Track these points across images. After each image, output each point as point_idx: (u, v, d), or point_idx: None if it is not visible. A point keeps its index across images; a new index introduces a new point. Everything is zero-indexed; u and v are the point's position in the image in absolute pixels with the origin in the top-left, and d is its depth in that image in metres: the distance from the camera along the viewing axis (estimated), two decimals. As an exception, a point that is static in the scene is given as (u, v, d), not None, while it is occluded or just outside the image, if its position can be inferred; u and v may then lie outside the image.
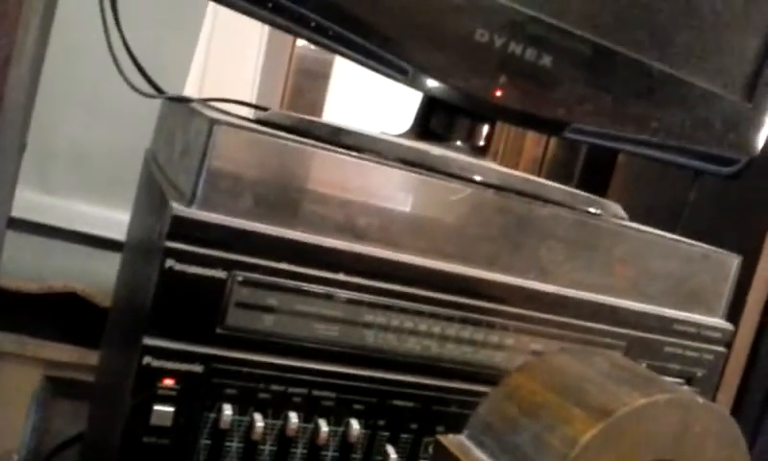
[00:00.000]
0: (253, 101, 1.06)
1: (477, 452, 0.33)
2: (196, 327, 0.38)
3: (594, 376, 0.34)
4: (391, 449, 0.44)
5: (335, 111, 1.21)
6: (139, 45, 0.53)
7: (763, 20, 0.57)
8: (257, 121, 0.52)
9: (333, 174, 0.41)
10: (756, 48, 0.57)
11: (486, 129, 0.56)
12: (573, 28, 0.51)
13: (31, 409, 0.79)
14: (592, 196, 0.55)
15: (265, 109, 0.57)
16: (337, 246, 0.41)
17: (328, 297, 0.41)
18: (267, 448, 0.41)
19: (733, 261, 0.55)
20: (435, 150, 0.49)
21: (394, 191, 0.42)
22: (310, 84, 1.21)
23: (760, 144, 0.60)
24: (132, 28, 0.52)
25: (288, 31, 0.47)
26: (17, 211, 0.85)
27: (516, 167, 1.09)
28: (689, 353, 0.53)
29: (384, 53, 0.47)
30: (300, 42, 1.15)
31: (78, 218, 0.92)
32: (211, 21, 1.03)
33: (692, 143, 0.58)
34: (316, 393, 0.41)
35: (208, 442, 0.39)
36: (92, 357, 0.84)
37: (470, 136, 0.55)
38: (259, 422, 0.40)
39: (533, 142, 1.17)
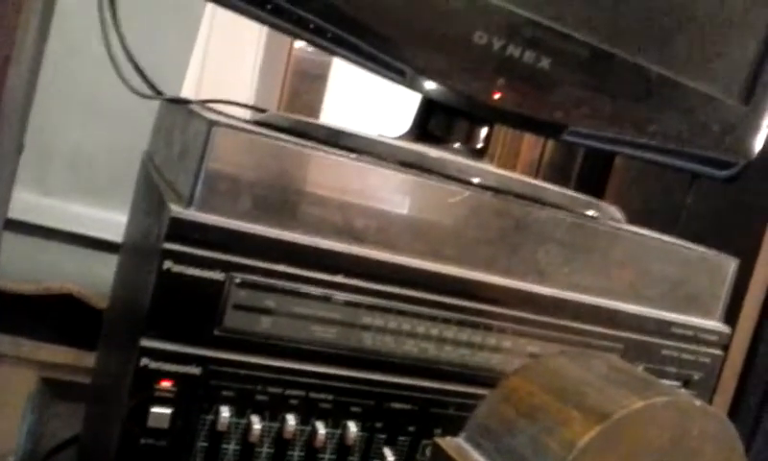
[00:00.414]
0: (251, 102, 1.06)
1: (475, 455, 0.33)
2: (193, 329, 0.38)
3: (592, 379, 0.34)
4: (388, 452, 0.43)
5: (333, 113, 1.21)
6: (137, 46, 0.53)
7: (761, 24, 0.57)
8: (256, 123, 0.52)
9: (331, 176, 0.41)
10: (753, 52, 0.58)
11: (484, 131, 0.56)
12: (572, 31, 0.51)
13: (26, 411, 0.78)
14: (590, 198, 0.55)
15: (263, 111, 0.57)
16: (335, 248, 0.41)
17: (326, 299, 0.41)
18: (264, 450, 0.41)
19: (731, 264, 0.55)
20: (433, 152, 0.49)
21: (392, 193, 0.42)
22: (308, 86, 1.21)
23: (757, 148, 0.60)
24: (130, 29, 0.52)
25: (287, 32, 0.47)
26: (15, 212, 0.85)
27: (513, 170, 1.09)
28: (686, 356, 0.53)
29: (383, 55, 0.47)
30: (298, 44, 1.15)
31: (75, 219, 0.92)
32: (209, 23, 1.03)
33: (690, 146, 0.58)
34: (313, 395, 0.41)
35: (205, 444, 0.39)
36: (88, 359, 0.84)
37: (469, 139, 0.55)
38: (256, 424, 0.40)
39: (530, 145, 1.17)
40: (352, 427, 0.42)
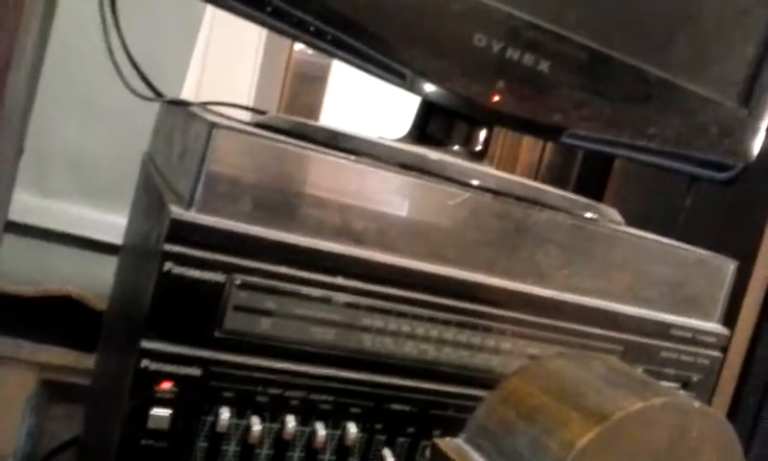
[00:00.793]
0: (251, 105, 1.06)
1: (474, 456, 0.33)
2: (194, 331, 0.38)
3: (591, 380, 0.34)
4: (388, 453, 0.44)
5: (332, 116, 1.21)
6: (137, 48, 0.54)
7: (759, 27, 0.57)
8: (256, 125, 0.52)
9: (331, 178, 0.41)
10: (752, 55, 0.58)
11: (483, 133, 0.56)
12: (571, 34, 0.51)
13: (26, 413, 0.78)
14: (589, 201, 0.55)
15: (263, 113, 0.57)
16: (335, 250, 0.41)
17: (326, 300, 0.41)
18: (264, 451, 0.41)
19: (729, 266, 0.55)
20: (433, 154, 0.49)
21: (392, 195, 0.42)
22: (307, 88, 1.21)
23: (756, 150, 0.60)
24: (130, 31, 0.52)
25: (287, 35, 0.47)
26: (15, 214, 0.85)
27: (512, 172, 1.09)
28: (685, 358, 0.53)
29: (382, 57, 0.47)
30: (298, 46, 1.15)
31: (75, 221, 0.92)
32: (209, 25, 1.03)
33: (688, 149, 0.58)
34: (313, 396, 0.41)
35: (206, 445, 0.39)
36: (87, 361, 0.84)
37: (468, 141, 0.55)
38: (256, 425, 0.40)
39: (529, 148, 1.18)
40: (352, 429, 0.42)
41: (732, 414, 0.78)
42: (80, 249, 0.94)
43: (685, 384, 0.53)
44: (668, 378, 0.52)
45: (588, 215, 0.53)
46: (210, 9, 0.97)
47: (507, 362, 0.46)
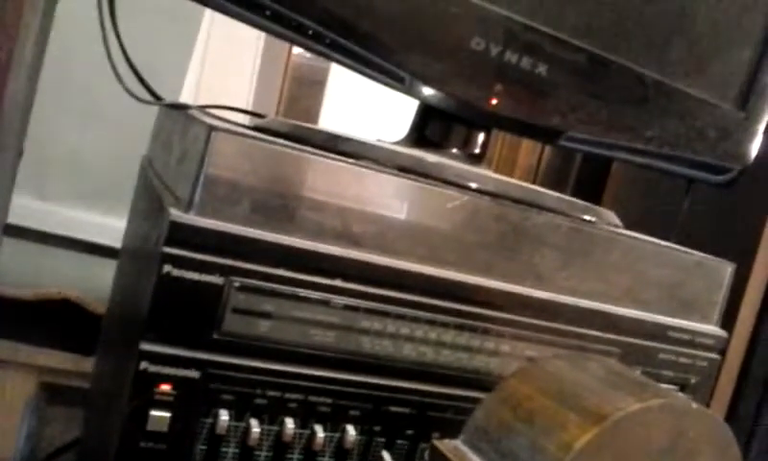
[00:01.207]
0: (249, 108, 1.06)
1: (473, 457, 0.34)
2: (193, 333, 0.38)
3: (589, 382, 0.34)
4: (386, 455, 0.44)
5: (331, 119, 1.21)
6: (135, 52, 0.54)
7: (756, 31, 0.58)
8: (255, 128, 0.52)
9: (330, 180, 0.41)
10: (749, 58, 0.58)
11: (482, 137, 0.56)
12: (569, 37, 0.51)
13: (25, 415, 0.78)
14: (587, 204, 0.55)
15: (262, 117, 0.57)
16: (334, 252, 0.41)
17: (325, 303, 0.41)
18: (263, 453, 0.41)
19: (727, 269, 0.55)
20: (431, 157, 0.50)
21: (390, 198, 0.43)
22: (306, 92, 1.22)
23: (753, 153, 0.61)
24: (129, 35, 0.52)
25: (286, 39, 0.47)
26: (14, 217, 0.85)
27: (510, 176, 1.09)
28: (683, 360, 0.53)
29: (381, 61, 0.47)
30: (296, 50, 1.15)
31: (73, 225, 0.92)
32: (207, 29, 1.03)
33: (686, 152, 0.58)
34: (312, 399, 0.42)
35: (205, 447, 0.39)
36: (86, 364, 0.84)
37: (466, 144, 0.55)
38: (255, 427, 0.40)
39: (527, 151, 1.18)
40: (351, 431, 0.42)
41: (731, 416, 0.78)
42: (78, 252, 0.94)
43: (683, 386, 0.53)
44: (666, 381, 0.52)
45: (587, 218, 0.53)
46: (208, 13, 0.97)
47: (505, 364, 0.46)
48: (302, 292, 0.40)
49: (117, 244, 0.68)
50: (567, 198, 0.54)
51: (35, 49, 0.53)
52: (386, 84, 0.49)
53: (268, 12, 0.45)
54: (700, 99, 0.57)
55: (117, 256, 0.68)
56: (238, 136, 0.39)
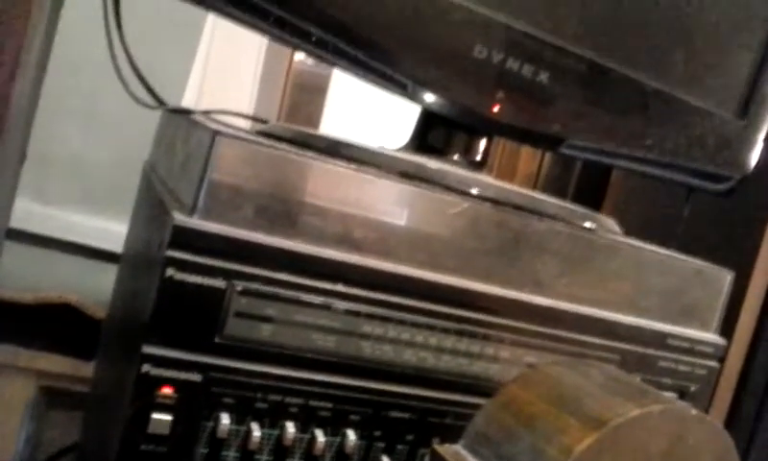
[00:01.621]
0: (251, 115, 1.06)
1: (474, 461, 0.34)
2: (195, 337, 0.38)
3: (589, 387, 0.34)
4: (386, 460, 0.44)
5: (332, 126, 1.22)
6: (137, 57, 0.54)
7: (756, 39, 0.58)
8: (258, 133, 0.53)
9: (332, 186, 0.41)
10: (749, 67, 0.58)
11: (483, 143, 0.56)
12: (570, 45, 0.52)
13: (25, 419, 0.78)
14: (588, 211, 0.55)
15: (265, 122, 0.58)
16: (335, 257, 0.41)
17: (326, 307, 0.41)
18: (264, 457, 0.41)
19: (726, 277, 0.55)
20: (433, 163, 0.50)
21: (392, 204, 0.43)
22: (307, 99, 1.22)
23: (753, 162, 0.61)
24: (131, 40, 0.53)
25: (289, 44, 0.47)
26: (16, 222, 0.85)
27: (510, 183, 1.10)
28: (683, 368, 0.53)
29: (384, 67, 0.48)
30: (298, 57, 1.15)
31: (75, 229, 0.92)
32: (210, 34, 1.03)
33: (686, 160, 0.59)
34: (313, 403, 0.42)
35: (206, 451, 0.40)
36: (86, 369, 0.84)
37: (468, 151, 0.56)
38: (256, 431, 0.40)
39: (527, 158, 1.18)
40: (351, 435, 0.43)
41: (730, 423, 0.78)
42: (80, 257, 0.94)
43: (683, 394, 0.53)
44: (665, 388, 0.53)
45: (587, 225, 0.53)
46: (211, 19, 0.98)
47: (505, 370, 0.46)
48: (304, 296, 0.40)
49: (118, 249, 0.68)
50: (568, 205, 0.54)
51: (40, 53, 0.53)
52: (389, 91, 0.49)
53: (272, 19, 0.46)
54: (700, 107, 0.57)
55: (117, 261, 0.68)
56: (242, 141, 0.39)
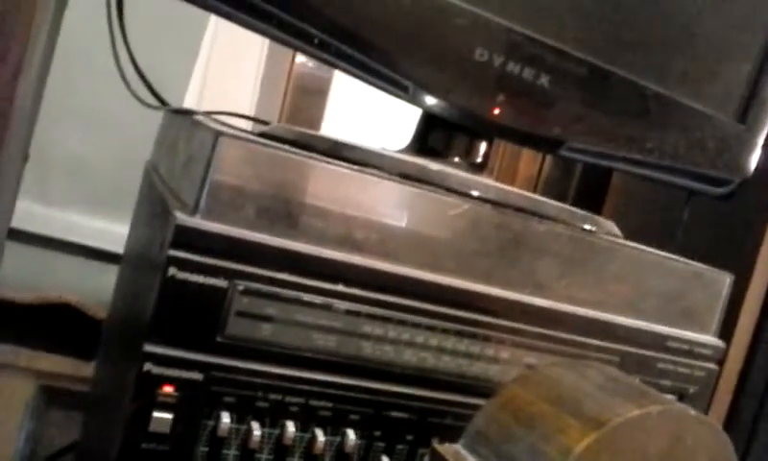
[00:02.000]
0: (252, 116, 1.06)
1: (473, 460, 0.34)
2: (196, 336, 0.39)
3: (588, 388, 0.35)
4: (386, 460, 0.44)
5: (333, 129, 1.22)
6: (139, 58, 0.54)
7: (757, 44, 0.58)
8: (260, 134, 0.53)
9: (334, 187, 0.41)
10: (749, 71, 0.59)
11: (484, 146, 0.57)
12: (570, 49, 0.52)
13: (25, 419, 0.78)
14: (588, 213, 0.55)
15: (266, 123, 0.58)
16: (337, 258, 0.41)
17: (327, 307, 0.41)
18: (264, 456, 0.41)
19: (726, 279, 0.55)
20: (433, 165, 0.50)
21: (393, 205, 0.43)
22: (308, 101, 1.22)
23: (753, 166, 0.61)
24: (132, 41, 0.53)
25: (291, 46, 0.48)
26: (17, 222, 0.86)
27: (511, 186, 1.10)
28: (681, 370, 0.53)
29: (385, 70, 0.48)
30: (299, 59, 1.16)
31: (76, 230, 0.93)
32: (211, 36, 1.04)
33: (686, 164, 0.59)
34: (313, 402, 0.42)
35: (206, 449, 0.40)
36: (86, 369, 0.84)
37: (469, 153, 0.56)
38: (257, 430, 0.40)
39: (528, 161, 1.18)
40: (351, 435, 0.43)
41: (729, 425, 0.78)
42: (81, 257, 0.94)
43: (682, 396, 0.54)
44: (665, 390, 0.53)
45: (587, 227, 0.53)
46: (213, 21, 0.98)
47: (505, 371, 0.46)
48: (305, 296, 0.40)
49: (118, 249, 0.68)
50: (568, 207, 0.54)
51: (42, 53, 0.53)
52: (390, 93, 0.49)
53: (275, 21, 0.46)
54: (700, 111, 0.57)
55: (118, 262, 0.68)
56: (244, 142, 0.39)
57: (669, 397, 0.52)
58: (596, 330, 0.50)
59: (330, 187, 0.41)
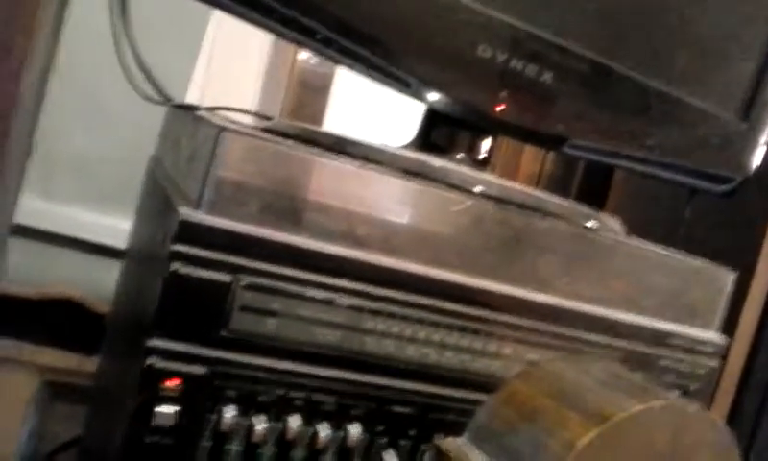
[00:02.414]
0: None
1: (476, 454, 0.34)
2: (200, 330, 0.39)
3: (591, 383, 0.35)
4: (389, 455, 0.44)
5: (335, 125, 1.22)
6: (143, 54, 0.54)
7: (759, 41, 0.58)
8: (263, 130, 0.53)
9: (337, 183, 0.42)
10: (752, 68, 0.59)
11: (486, 142, 0.57)
12: (573, 46, 0.52)
13: (28, 413, 0.79)
14: (591, 210, 0.55)
15: (269, 119, 0.58)
16: (340, 253, 0.41)
17: (330, 303, 0.41)
18: (267, 450, 0.41)
19: (728, 276, 0.55)
20: (436, 162, 0.50)
21: (396, 201, 0.43)
22: (310, 97, 1.22)
23: (755, 163, 0.61)
24: (136, 36, 0.53)
25: (294, 42, 0.48)
26: (20, 217, 0.86)
27: (513, 182, 1.10)
28: (684, 367, 0.53)
29: (389, 66, 0.48)
30: (302, 55, 1.16)
31: (79, 225, 0.93)
32: (214, 31, 1.04)
33: (688, 161, 0.59)
34: (316, 397, 0.42)
35: (210, 443, 0.40)
36: (89, 364, 0.84)
37: (471, 149, 0.56)
38: (260, 424, 0.40)
39: (530, 157, 1.18)
40: (354, 430, 0.43)
41: (732, 420, 0.78)
42: (84, 252, 0.94)
43: (684, 392, 0.54)
44: (667, 386, 0.53)
45: (590, 224, 0.54)
46: (215, 16, 0.98)
47: (507, 367, 0.46)
48: (308, 291, 0.41)
49: (121, 245, 0.68)
50: (571, 204, 0.54)
51: (46, 49, 0.53)
52: (393, 89, 0.49)
53: (277, 16, 0.46)
54: (702, 109, 0.57)
55: (121, 257, 0.68)
56: (247, 137, 0.40)
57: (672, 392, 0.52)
58: (599, 327, 0.50)
59: (333, 183, 0.41)
